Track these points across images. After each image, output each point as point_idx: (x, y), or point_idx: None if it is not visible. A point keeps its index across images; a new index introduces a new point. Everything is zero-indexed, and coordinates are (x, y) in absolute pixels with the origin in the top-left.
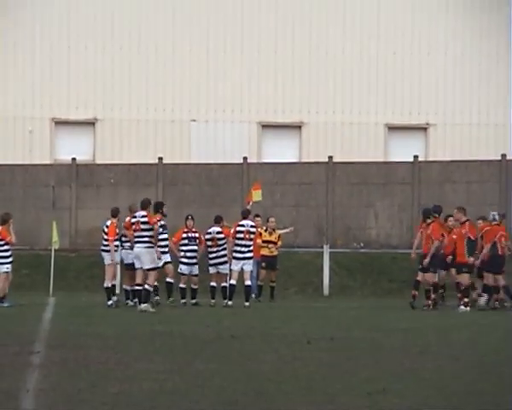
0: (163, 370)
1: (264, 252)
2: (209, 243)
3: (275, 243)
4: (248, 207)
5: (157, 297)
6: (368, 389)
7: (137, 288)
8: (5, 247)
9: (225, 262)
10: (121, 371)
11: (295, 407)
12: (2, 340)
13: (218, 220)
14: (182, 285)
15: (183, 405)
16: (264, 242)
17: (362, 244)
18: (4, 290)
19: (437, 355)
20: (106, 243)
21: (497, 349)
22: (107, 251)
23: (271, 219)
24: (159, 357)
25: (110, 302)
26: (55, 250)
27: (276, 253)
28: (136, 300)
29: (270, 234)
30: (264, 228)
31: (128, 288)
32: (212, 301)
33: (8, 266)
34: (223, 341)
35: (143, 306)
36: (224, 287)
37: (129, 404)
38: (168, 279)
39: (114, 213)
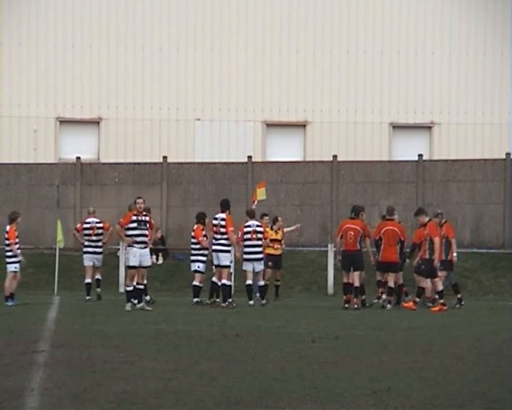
0: (168, 369)
1: (270, 251)
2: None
3: (280, 241)
4: (253, 206)
5: (217, 299)
6: (372, 388)
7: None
8: (15, 246)
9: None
10: (126, 370)
11: (300, 406)
12: (7, 339)
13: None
14: (199, 284)
15: (188, 404)
16: (270, 241)
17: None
18: (11, 289)
19: (441, 354)
20: None
21: (501, 349)
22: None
23: (280, 219)
24: (163, 356)
25: (148, 298)
26: (60, 249)
27: (280, 251)
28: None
29: (276, 232)
30: (270, 227)
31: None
32: (217, 299)
33: (17, 265)
34: (227, 340)
35: (128, 305)
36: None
37: (134, 403)
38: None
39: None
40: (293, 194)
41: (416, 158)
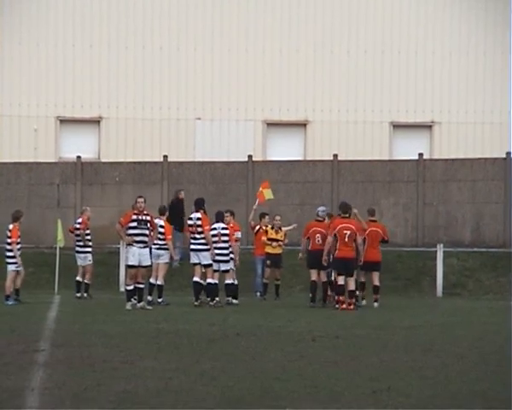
0: (168, 368)
1: (268, 250)
2: (215, 238)
3: (280, 241)
4: (254, 206)
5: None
6: (373, 388)
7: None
8: (16, 246)
9: (227, 261)
10: (126, 369)
11: (301, 405)
12: (8, 338)
13: (221, 218)
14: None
15: (189, 403)
16: (269, 239)
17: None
18: (12, 288)
19: (441, 353)
20: (162, 241)
21: (501, 348)
22: (165, 249)
23: (277, 218)
24: (164, 355)
25: (161, 300)
26: (60, 248)
27: (280, 251)
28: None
29: (277, 232)
30: (271, 226)
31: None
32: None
33: (17, 264)
34: (228, 339)
35: (128, 304)
36: (228, 284)
37: (134, 402)
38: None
39: (163, 212)
40: (294, 193)
41: (417, 157)
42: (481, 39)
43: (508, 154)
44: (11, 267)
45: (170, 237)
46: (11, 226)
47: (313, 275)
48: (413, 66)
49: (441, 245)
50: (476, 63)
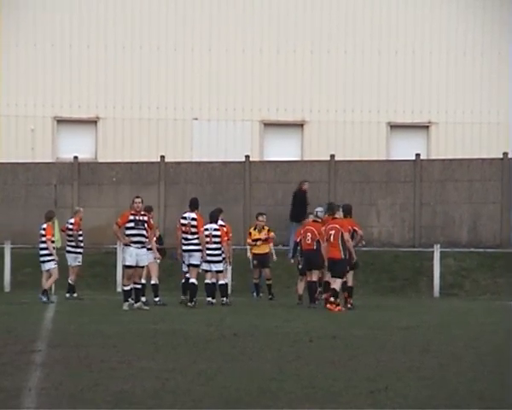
0: (165, 368)
1: (255, 250)
2: (206, 239)
3: (264, 241)
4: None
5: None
6: (370, 388)
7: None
8: (52, 245)
9: (219, 261)
10: (123, 369)
11: (298, 406)
12: (5, 339)
13: (214, 218)
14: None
15: (186, 403)
16: (253, 240)
17: (364, 243)
18: (46, 286)
19: (438, 354)
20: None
21: (498, 348)
22: (150, 249)
23: (260, 218)
24: (161, 356)
25: (158, 299)
26: (57, 249)
27: (267, 250)
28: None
29: (260, 232)
30: (253, 227)
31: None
32: (208, 298)
33: (52, 263)
34: (225, 339)
35: (125, 304)
36: (221, 285)
37: (131, 403)
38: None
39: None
40: (291, 193)
41: (414, 157)
42: (478, 39)
43: (505, 154)
44: (49, 265)
45: (153, 236)
46: (45, 225)
47: (309, 276)
48: (410, 66)
49: (438, 245)
50: (473, 63)
